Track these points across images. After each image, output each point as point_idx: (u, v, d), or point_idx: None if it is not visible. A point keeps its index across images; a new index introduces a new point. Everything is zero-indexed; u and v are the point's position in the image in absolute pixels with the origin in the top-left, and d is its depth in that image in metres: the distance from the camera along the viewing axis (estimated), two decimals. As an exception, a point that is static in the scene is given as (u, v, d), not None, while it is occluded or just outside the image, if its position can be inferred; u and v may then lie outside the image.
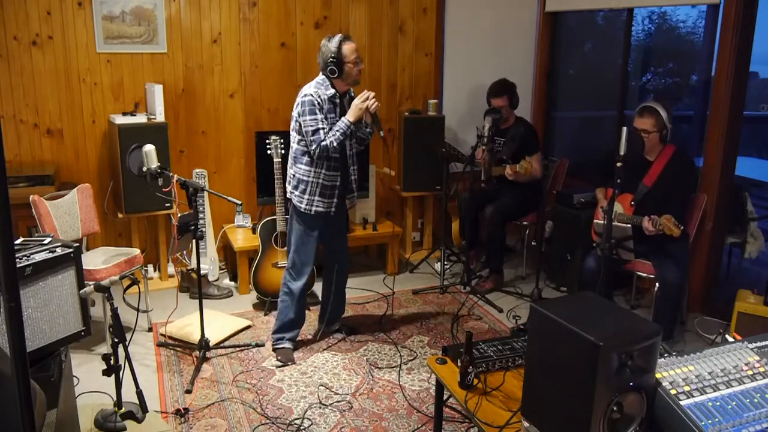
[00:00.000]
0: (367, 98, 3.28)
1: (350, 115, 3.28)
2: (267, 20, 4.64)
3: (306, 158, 3.34)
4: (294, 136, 3.36)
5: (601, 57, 5.40)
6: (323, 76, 3.33)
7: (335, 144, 3.24)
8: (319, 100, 3.25)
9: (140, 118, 4.19)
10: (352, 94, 3.43)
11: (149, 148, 3.34)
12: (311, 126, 3.23)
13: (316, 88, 3.29)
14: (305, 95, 3.27)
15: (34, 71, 4.15)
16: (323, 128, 3.24)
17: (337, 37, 3.26)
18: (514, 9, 5.29)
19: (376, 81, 5.04)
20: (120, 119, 4.12)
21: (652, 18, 5.28)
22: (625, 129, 3.17)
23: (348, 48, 3.25)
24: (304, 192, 3.36)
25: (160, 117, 4.18)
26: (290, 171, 3.44)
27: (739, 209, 4.13)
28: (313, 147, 3.24)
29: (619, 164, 3.16)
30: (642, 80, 5.21)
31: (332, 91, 3.31)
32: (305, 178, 3.35)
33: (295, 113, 3.32)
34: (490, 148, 4.53)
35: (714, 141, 3.95)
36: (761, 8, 3.77)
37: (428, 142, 4.81)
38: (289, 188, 3.46)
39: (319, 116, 3.24)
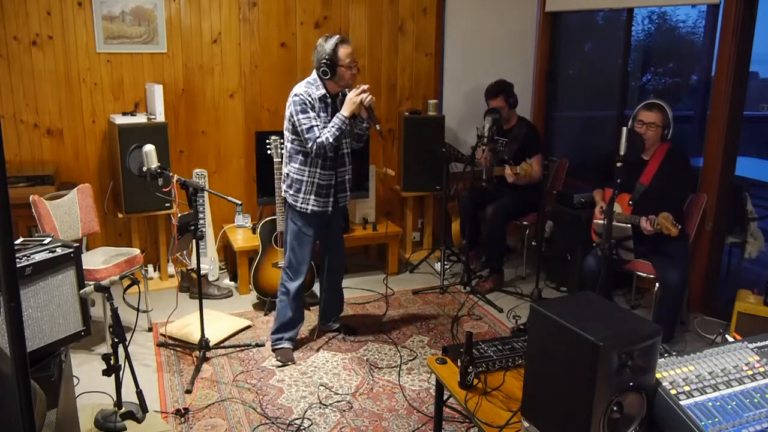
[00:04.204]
0: (362, 91, 3.22)
1: (345, 110, 3.22)
2: (267, 20, 4.64)
3: (300, 157, 3.31)
4: (288, 136, 3.34)
5: (601, 57, 5.39)
6: (315, 76, 3.29)
7: (331, 140, 3.19)
8: (309, 99, 3.21)
9: (140, 118, 4.19)
10: (347, 92, 3.33)
11: (149, 148, 3.34)
12: (305, 124, 3.20)
13: (306, 87, 3.25)
14: (295, 95, 3.24)
15: (34, 71, 4.15)
16: (317, 125, 3.20)
17: (335, 39, 3.20)
18: (514, 9, 5.29)
19: (376, 81, 5.04)
20: (120, 119, 4.12)
21: (652, 18, 5.28)
22: (625, 129, 3.17)
23: (344, 51, 3.20)
24: (298, 191, 3.35)
25: (160, 117, 4.18)
26: (284, 170, 3.42)
27: (739, 209, 4.13)
28: (310, 145, 3.21)
29: (618, 164, 3.15)
30: (642, 80, 5.21)
31: (323, 91, 3.27)
32: (300, 177, 3.33)
33: (287, 113, 3.29)
34: (492, 148, 4.53)
35: (714, 141, 3.95)
36: (761, 8, 3.76)
37: (428, 142, 4.80)
38: (283, 187, 3.45)
39: (312, 114, 3.21)
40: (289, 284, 3.49)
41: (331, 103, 3.32)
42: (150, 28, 4.36)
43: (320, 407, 3.09)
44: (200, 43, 4.51)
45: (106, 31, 4.25)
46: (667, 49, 5.35)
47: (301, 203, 3.35)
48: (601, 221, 3.41)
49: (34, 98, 4.19)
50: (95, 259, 3.66)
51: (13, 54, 4.08)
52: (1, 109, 4.12)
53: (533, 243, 4.62)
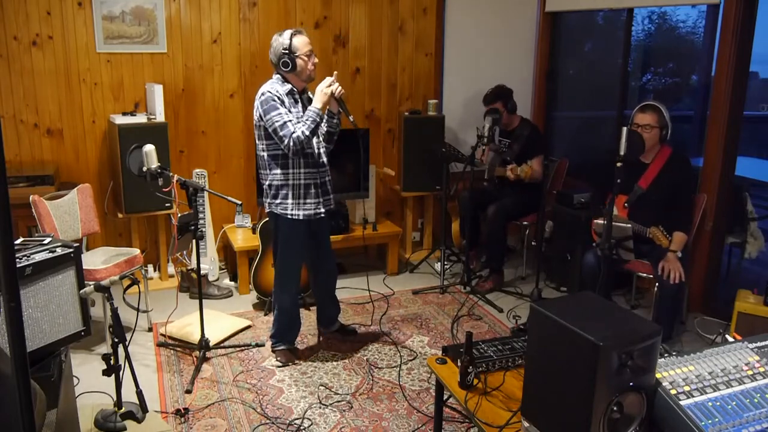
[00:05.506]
0: (333, 82, 3.11)
1: (316, 102, 3.10)
2: (267, 20, 4.64)
3: (280, 161, 3.19)
4: (261, 144, 3.20)
5: (601, 57, 5.39)
6: (277, 75, 3.21)
7: (307, 133, 3.05)
8: (278, 95, 3.11)
9: (140, 118, 4.19)
10: (311, 95, 3.25)
11: (149, 148, 3.34)
12: (277, 122, 3.06)
13: (271, 85, 3.15)
14: (262, 93, 3.13)
15: (34, 71, 4.15)
16: (290, 120, 3.07)
17: (288, 31, 3.13)
18: (514, 9, 5.29)
19: (376, 81, 5.04)
20: (120, 119, 4.12)
21: (652, 18, 5.28)
22: (625, 129, 3.16)
23: (300, 41, 3.12)
24: (287, 197, 3.22)
25: (160, 117, 4.18)
26: (265, 183, 3.27)
27: (739, 209, 4.13)
28: (285, 142, 3.06)
29: (619, 164, 3.15)
30: (642, 80, 5.21)
31: (289, 86, 3.19)
32: (284, 182, 3.20)
33: (256, 117, 3.16)
34: (496, 149, 4.53)
35: (714, 141, 3.95)
36: (761, 8, 3.76)
37: (428, 142, 4.80)
38: (267, 201, 3.29)
39: (282, 109, 3.08)
40: (283, 294, 3.42)
41: (299, 99, 3.23)
42: (150, 28, 4.36)
43: (320, 407, 3.09)
44: (200, 43, 4.51)
45: (106, 31, 4.25)
46: (667, 49, 5.35)
47: (292, 209, 3.23)
48: (602, 222, 3.41)
49: (34, 98, 4.19)
50: (95, 259, 3.66)
51: (13, 54, 4.08)
52: (1, 109, 4.12)
53: (533, 243, 4.62)
